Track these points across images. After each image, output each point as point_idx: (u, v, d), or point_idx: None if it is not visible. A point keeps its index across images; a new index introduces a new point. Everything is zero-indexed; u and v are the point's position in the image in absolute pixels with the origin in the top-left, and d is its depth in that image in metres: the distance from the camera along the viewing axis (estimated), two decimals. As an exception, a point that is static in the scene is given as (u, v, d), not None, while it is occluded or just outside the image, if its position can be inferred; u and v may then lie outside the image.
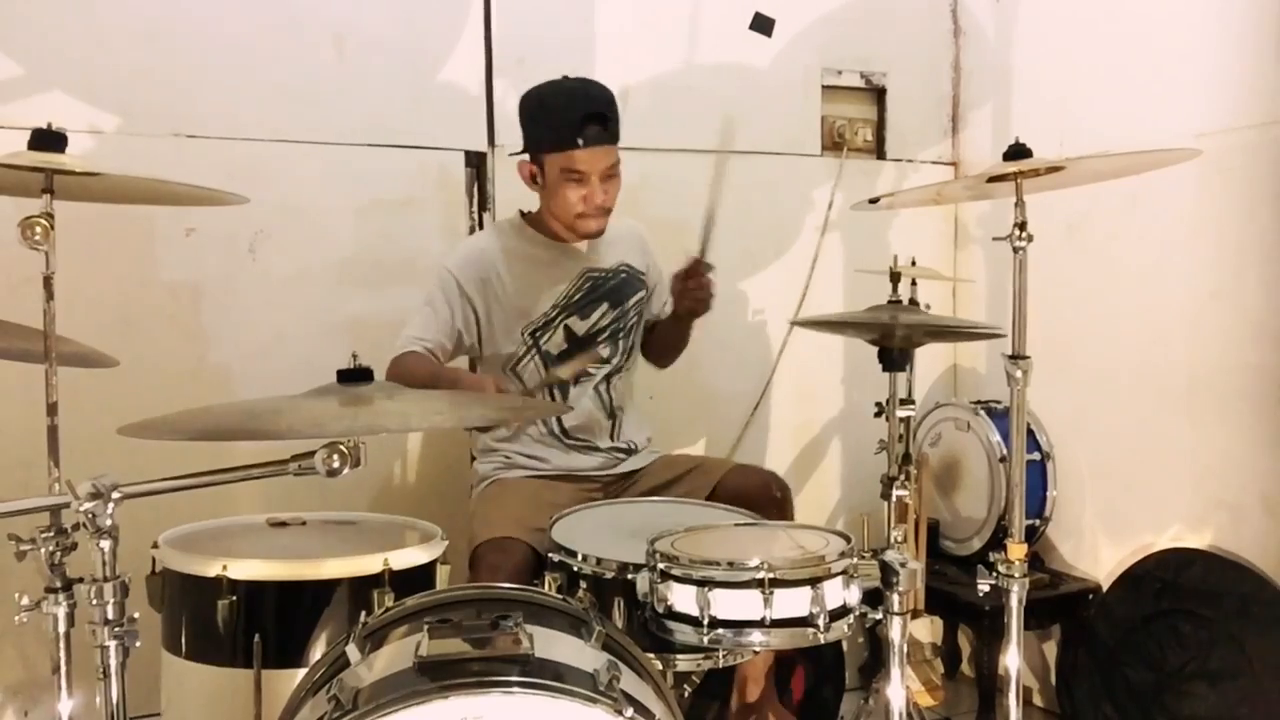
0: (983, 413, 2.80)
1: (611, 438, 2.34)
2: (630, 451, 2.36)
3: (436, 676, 1.23)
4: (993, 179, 1.87)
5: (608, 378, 2.34)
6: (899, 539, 1.81)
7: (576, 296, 2.29)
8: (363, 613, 1.53)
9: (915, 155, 3.18)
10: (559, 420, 2.29)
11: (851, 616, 1.59)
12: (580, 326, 2.29)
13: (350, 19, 2.53)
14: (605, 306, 2.32)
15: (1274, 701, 2.25)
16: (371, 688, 1.25)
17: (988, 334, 2.34)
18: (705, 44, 2.89)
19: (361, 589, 1.69)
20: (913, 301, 2.35)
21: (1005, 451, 2.69)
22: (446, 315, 2.22)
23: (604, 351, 2.28)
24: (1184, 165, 1.91)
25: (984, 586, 1.88)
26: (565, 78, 2.22)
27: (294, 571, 1.73)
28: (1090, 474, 2.77)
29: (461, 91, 2.64)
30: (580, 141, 2.12)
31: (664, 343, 2.46)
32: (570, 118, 2.13)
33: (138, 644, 1.36)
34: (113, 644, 1.33)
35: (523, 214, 2.35)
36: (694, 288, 2.23)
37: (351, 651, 1.34)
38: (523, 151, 2.24)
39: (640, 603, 1.63)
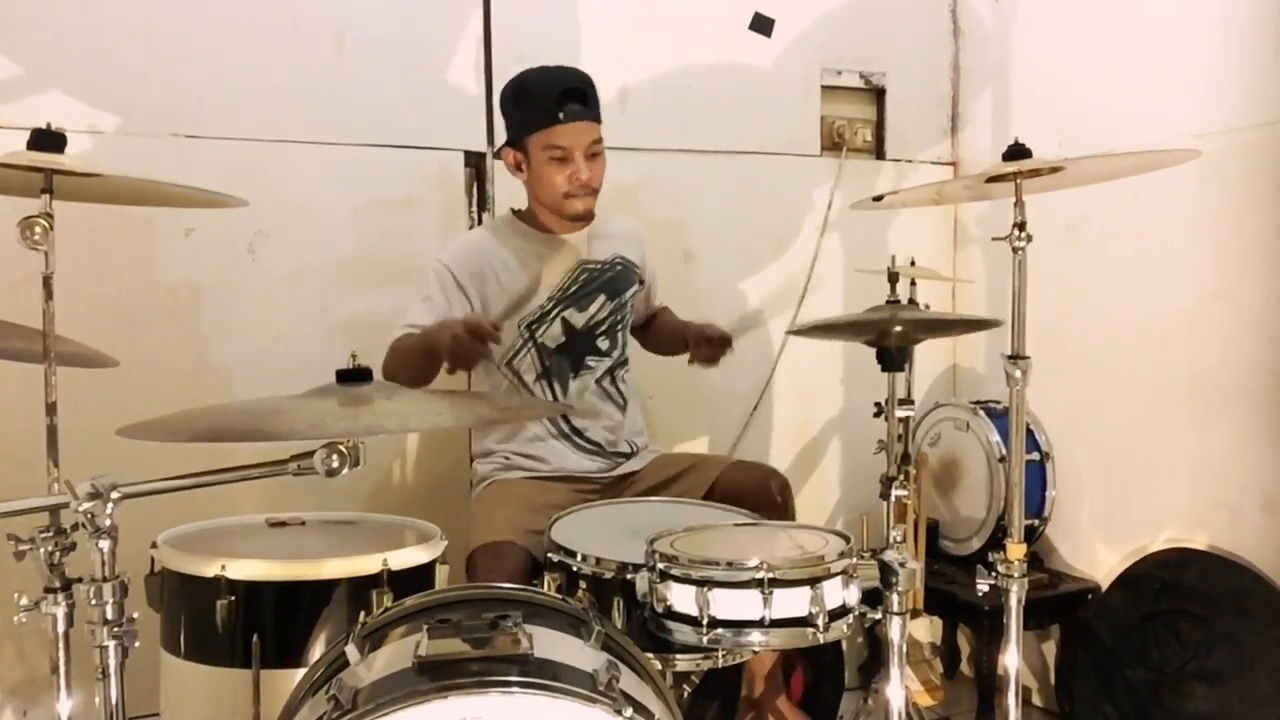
0: (982, 413, 2.80)
1: (620, 434, 2.34)
2: (630, 454, 2.36)
3: (436, 676, 1.23)
4: (992, 179, 1.87)
5: (611, 371, 2.34)
6: (898, 539, 1.80)
7: (573, 289, 2.29)
8: (361, 613, 1.53)
9: (914, 155, 3.18)
10: (569, 422, 2.29)
11: (851, 616, 1.59)
12: (578, 319, 2.29)
13: (350, 18, 2.53)
14: (603, 298, 2.32)
15: (1272, 701, 2.25)
16: (371, 688, 1.25)
17: (984, 324, 2.34)
18: (705, 44, 2.89)
19: (360, 589, 1.69)
20: (912, 301, 2.35)
21: (1004, 451, 2.69)
22: (444, 306, 2.21)
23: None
24: (1184, 165, 1.91)
25: (983, 586, 1.88)
26: (543, 65, 2.24)
27: (293, 571, 1.73)
28: (1089, 474, 2.77)
29: (461, 91, 2.64)
30: (561, 116, 2.14)
31: (665, 348, 2.49)
32: (549, 95, 2.15)
33: (136, 644, 1.36)
34: (112, 644, 1.33)
35: (514, 211, 2.36)
36: (709, 356, 2.28)
37: (350, 651, 1.34)
38: (506, 143, 2.25)
39: (639, 602, 1.63)
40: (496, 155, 2.30)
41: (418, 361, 2.08)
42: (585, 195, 2.21)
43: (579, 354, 2.30)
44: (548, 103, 2.15)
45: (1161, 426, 2.58)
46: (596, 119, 2.21)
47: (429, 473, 2.64)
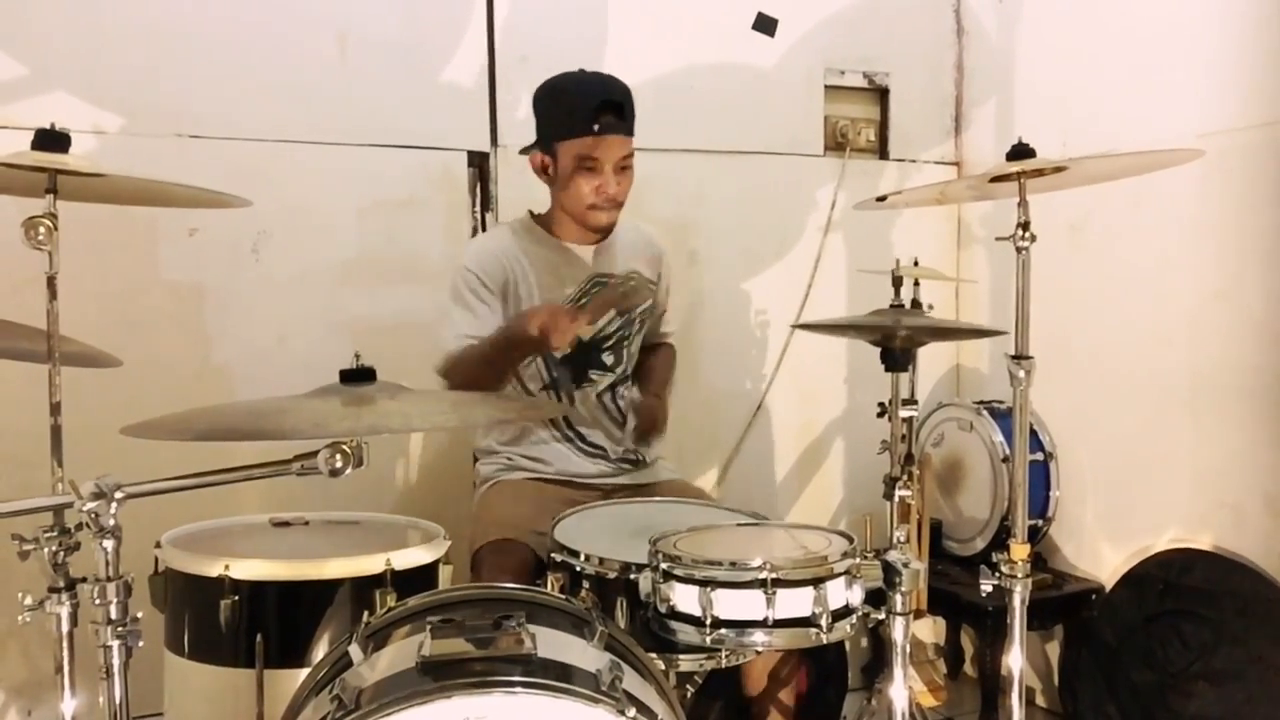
0: (985, 413, 2.80)
1: (621, 447, 2.33)
2: (637, 463, 2.34)
3: (439, 676, 1.23)
4: (996, 179, 1.87)
5: (613, 387, 2.32)
6: (901, 539, 1.80)
7: (583, 301, 2.28)
8: (365, 612, 1.53)
9: (918, 155, 3.18)
10: (572, 426, 2.29)
11: (854, 617, 1.59)
12: (585, 331, 2.28)
13: (352, 18, 2.53)
14: (612, 313, 2.30)
15: (1277, 701, 2.25)
16: (374, 687, 1.25)
17: (989, 332, 2.34)
18: (708, 44, 2.89)
19: (364, 589, 1.69)
20: (915, 302, 2.35)
21: (1008, 451, 2.69)
22: (485, 311, 2.19)
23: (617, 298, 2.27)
24: (1186, 165, 1.91)
25: (987, 587, 1.88)
26: (581, 70, 2.21)
27: (296, 571, 1.73)
28: (1093, 474, 2.77)
29: (464, 91, 2.64)
30: (596, 128, 2.11)
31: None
32: (587, 105, 2.12)
33: (140, 644, 1.35)
34: (115, 644, 1.32)
35: (533, 215, 2.34)
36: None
37: (354, 651, 1.34)
38: (535, 144, 2.23)
39: (643, 603, 1.63)
40: (523, 152, 2.27)
41: (501, 357, 2.09)
42: (610, 209, 2.20)
43: (582, 367, 2.28)
44: (584, 112, 2.11)
45: (1165, 426, 2.58)
46: (630, 133, 2.17)
47: (432, 473, 2.65)
